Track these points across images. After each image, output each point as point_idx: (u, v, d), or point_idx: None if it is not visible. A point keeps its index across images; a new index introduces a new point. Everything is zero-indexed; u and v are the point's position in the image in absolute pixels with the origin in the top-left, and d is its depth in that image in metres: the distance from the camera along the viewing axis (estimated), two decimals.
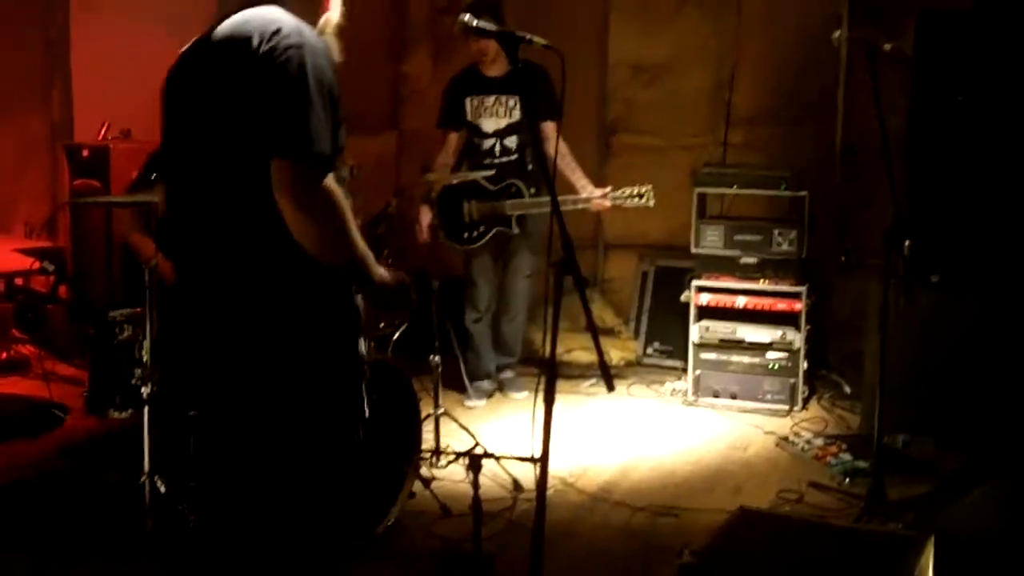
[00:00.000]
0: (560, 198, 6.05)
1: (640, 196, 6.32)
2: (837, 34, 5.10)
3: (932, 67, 6.00)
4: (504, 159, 6.66)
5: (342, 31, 3.31)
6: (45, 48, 8.09)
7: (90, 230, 7.19)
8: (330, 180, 2.95)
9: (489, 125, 6.66)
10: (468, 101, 6.72)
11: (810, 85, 7.36)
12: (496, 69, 6.60)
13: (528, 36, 3.39)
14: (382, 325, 5.23)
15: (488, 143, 6.68)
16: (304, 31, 2.99)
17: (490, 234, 6.64)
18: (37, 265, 6.59)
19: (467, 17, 3.36)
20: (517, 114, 6.59)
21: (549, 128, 6.47)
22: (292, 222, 2.90)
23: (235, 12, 3.10)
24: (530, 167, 6.63)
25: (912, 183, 6.05)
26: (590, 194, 6.47)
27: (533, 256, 6.72)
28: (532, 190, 6.56)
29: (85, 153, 7.20)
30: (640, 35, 7.80)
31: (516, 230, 6.63)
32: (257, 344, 3.06)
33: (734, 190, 6.81)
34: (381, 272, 3.15)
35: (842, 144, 7.31)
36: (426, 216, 6.68)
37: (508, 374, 7.00)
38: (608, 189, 6.43)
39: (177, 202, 3.22)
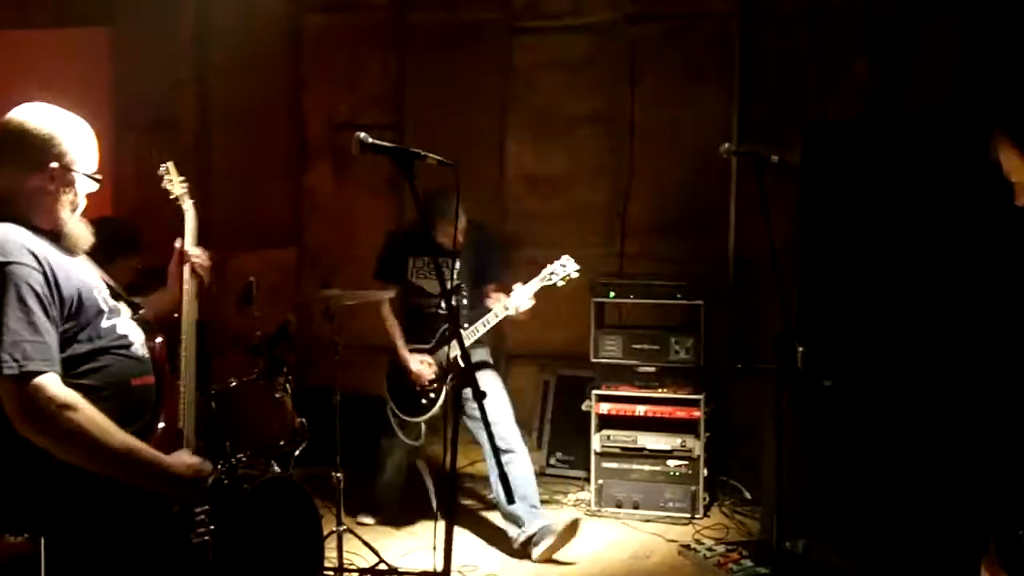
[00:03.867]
0: (490, 315, 6.08)
1: (563, 267, 6.13)
2: (725, 147, 5.20)
3: (819, 177, 6.16)
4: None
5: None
6: None
7: None
8: (55, 389, 2.93)
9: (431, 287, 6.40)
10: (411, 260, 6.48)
11: (703, 197, 7.53)
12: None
13: (422, 153, 3.45)
14: (282, 443, 5.21)
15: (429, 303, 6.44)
16: (3, 247, 3.02)
17: (444, 388, 6.20)
18: None
19: (362, 135, 3.41)
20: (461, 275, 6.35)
21: None
22: (33, 441, 2.93)
23: None
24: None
25: (803, 290, 6.18)
26: (514, 302, 6.13)
27: (498, 376, 6.52)
28: (464, 325, 6.20)
29: None
30: (536, 150, 7.94)
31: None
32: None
33: (631, 300, 6.92)
34: (160, 464, 3.12)
35: (735, 253, 7.48)
36: (417, 362, 6.29)
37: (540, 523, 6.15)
38: (523, 286, 6.15)
39: None
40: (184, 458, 3.22)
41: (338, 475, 5.52)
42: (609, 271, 7.39)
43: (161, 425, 3.28)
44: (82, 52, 8.13)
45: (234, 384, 5.03)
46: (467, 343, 5.93)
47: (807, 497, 5.85)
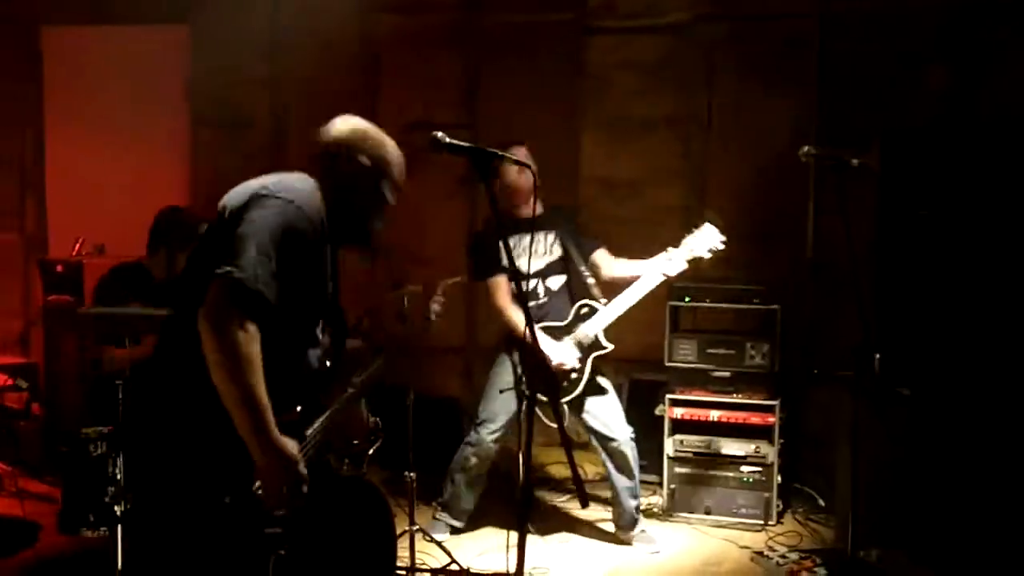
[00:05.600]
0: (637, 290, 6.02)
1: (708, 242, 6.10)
2: (805, 150, 5.14)
3: (897, 182, 6.10)
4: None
5: None
6: (20, 164, 8.23)
7: (63, 346, 7.17)
8: (249, 317, 3.14)
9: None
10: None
11: (781, 201, 7.45)
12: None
13: (500, 153, 3.45)
14: (356, 442, 5.21)
15: (530, 284, 6.22)
16: (300, 195, 3.36)
17: (588, 364, 6.12)
18: (10, 382, 6.56)
19: (439, 134, 3.42)
20: (557, 251, 6.30)
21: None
22: (200, 333, 3.13)
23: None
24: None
25: (880, 296, 6.11)
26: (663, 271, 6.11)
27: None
28: (603, 301, 6.16)
29: (59, 268, 7.22)
30: (610, 152, 7.89)
31: (610, 345, 6.15)
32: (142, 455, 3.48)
33: (707, 304, 6.86)
34: (272, 432, 3.23)
35: (812, 258, 7.39)
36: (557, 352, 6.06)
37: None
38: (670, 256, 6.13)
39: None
40: (291, 444, 3.31)
41: (411, 475, 5.52)
42: (685, 275, 7.32)
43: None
44: (161, 49, 8.27)
45: None
46: (610, 318, 6.11)
47: (881, 506, 5.78)
